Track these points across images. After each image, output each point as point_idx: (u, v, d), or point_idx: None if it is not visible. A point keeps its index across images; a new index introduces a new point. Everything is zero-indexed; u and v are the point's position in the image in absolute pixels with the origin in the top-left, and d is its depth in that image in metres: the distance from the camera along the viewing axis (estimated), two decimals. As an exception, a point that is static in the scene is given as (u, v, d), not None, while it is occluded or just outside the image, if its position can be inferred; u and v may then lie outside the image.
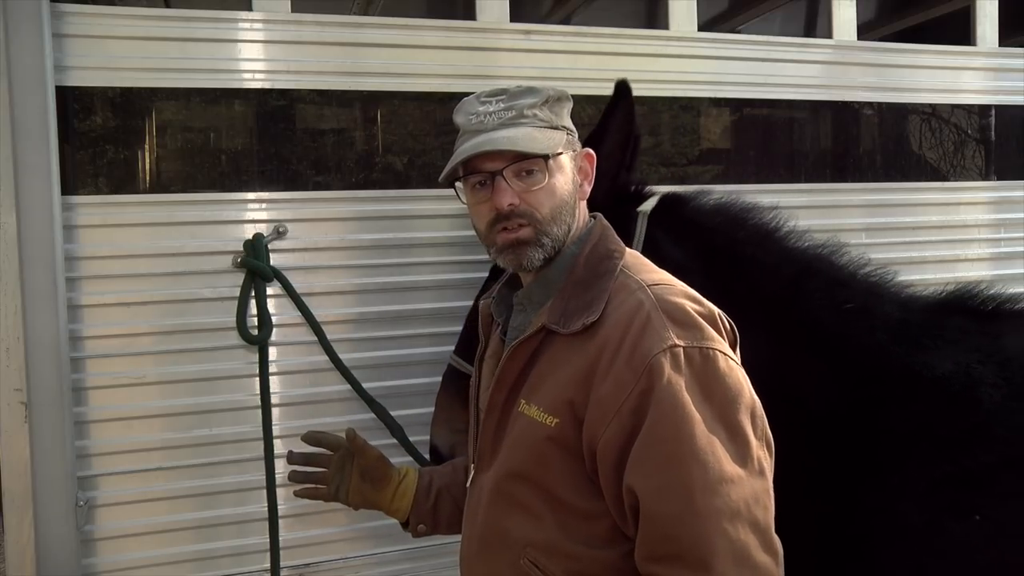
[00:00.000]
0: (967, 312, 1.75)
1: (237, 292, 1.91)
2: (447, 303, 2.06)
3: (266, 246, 1.92)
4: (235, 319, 1.89)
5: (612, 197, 1.71)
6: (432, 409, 1.88)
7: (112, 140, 1.87)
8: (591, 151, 1.40)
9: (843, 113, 2.46)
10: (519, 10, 2.21)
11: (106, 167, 1.87)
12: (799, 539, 1.26)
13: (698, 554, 1.11)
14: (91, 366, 1.86)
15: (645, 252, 1.46)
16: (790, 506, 1.26)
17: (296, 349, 1.98)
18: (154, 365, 1.90)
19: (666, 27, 2.30)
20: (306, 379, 2.00)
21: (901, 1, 3.33)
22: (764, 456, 1.19)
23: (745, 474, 1.15)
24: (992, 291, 1.78)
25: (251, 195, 1.96)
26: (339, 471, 1.61)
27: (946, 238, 2.55)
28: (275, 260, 1.95)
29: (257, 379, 1.92)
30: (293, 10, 1.98)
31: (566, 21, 3.19)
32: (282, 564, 1.94)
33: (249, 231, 1.94)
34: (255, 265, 1.89)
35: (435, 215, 2.07)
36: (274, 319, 1.96)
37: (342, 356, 1.99)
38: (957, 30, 2.74)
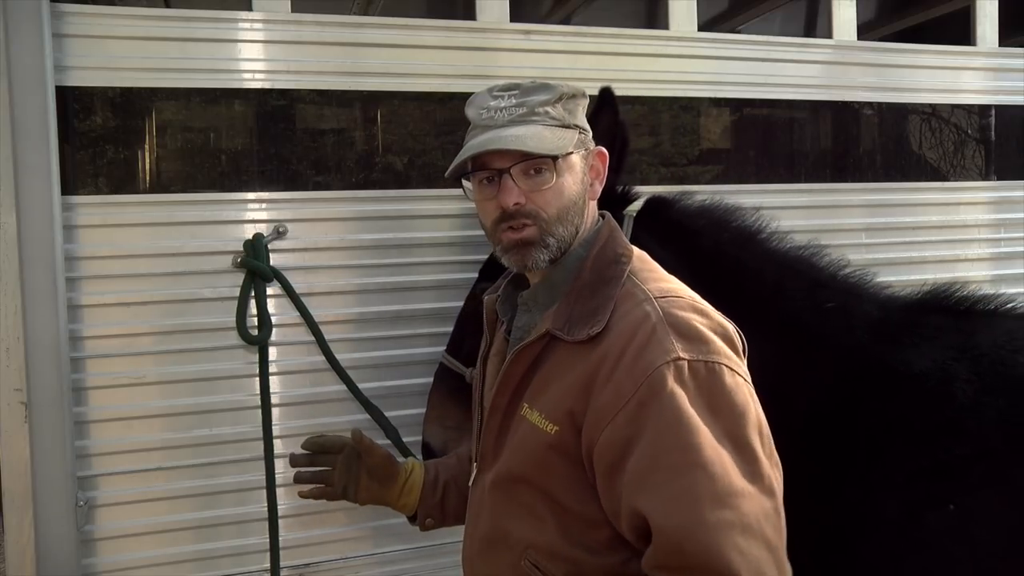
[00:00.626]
0: (943, 311, 1.79)
1: (237, 292, 1.91)
2: (447, 303, 2.05)
3: (266, 246, 1.92)
4: (235, 319, 1.89)
5: (598, 200, 1.72)
6: (432, 409, 1.88)
7: (112, 140, 1.87)
8: (603, 150, 1.37)
9: (843, 113, 2.46)
10: (519, 10, 2.21)
11: (106, 167, 1.87)
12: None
13: (712, 569, 1.07)
14: (91, 366, 1.86)
15: None
16: None
17: (296, 349, 1.98)
18: (154, 365, 1.90)
19: (666, 27, 2.30)
20: (306, 379, 2.00)
21: (901, 1, 3.33)
22: (774, 475, 1.16)
23: (755, 490, 1.11)
24: (966, 291, 1.82)
25: (251, 195, 1.96)
26: (346, 471, 1.61)
27: (946, 238, 2.55)
28: (275, 260, 1.95)
29: (257, 379, 1.92)
30: (293, 10, 1.98)
31: (566, 21, 3.19)
32: (282, 564, 1.94)
33: (249, 231, 1.94)
34: (255, 265, 1.89)
35: (435, 215, 2.07)
36: (274, 319, 1.96)
37: (342, 356, 1.99)
38: (957, 30, 2.74)
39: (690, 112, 2.30)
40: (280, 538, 1.94)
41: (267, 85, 1.96)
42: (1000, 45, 2.64)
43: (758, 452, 1.15)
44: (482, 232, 1.41)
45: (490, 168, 1.29)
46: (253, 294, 1.91)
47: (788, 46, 2.40)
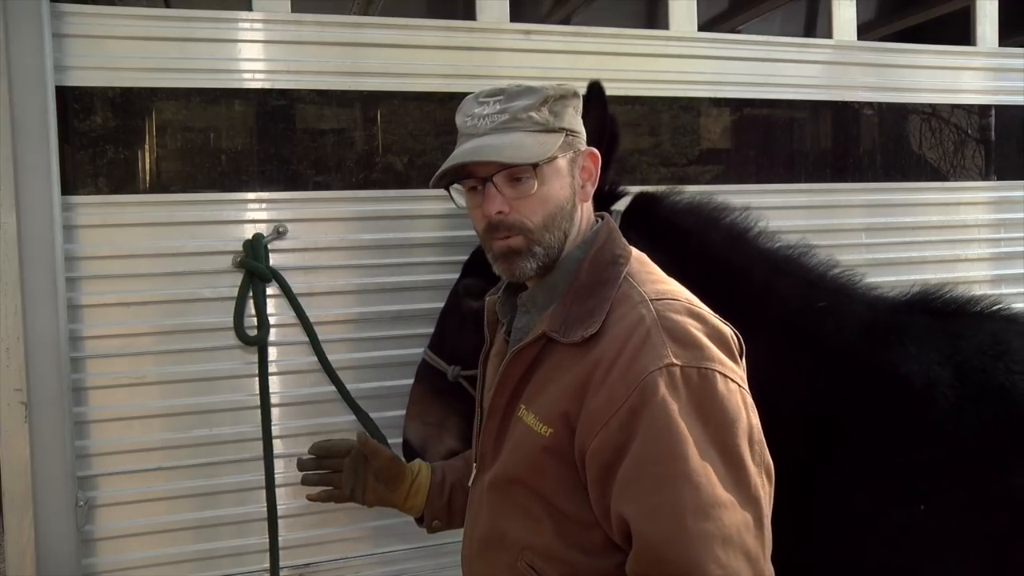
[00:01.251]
0: (931, 312, 1.80)
1: (237, 292, 1.91)
2: (447, 303, 2.05)
3: (265, 246, 1.92)
4: (232, 320, 1.89)
5: (596, 196, 1.72)
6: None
7: (112, 140, 1.87)
8: (595, 151, 1.35)
9: (843, 113, 2.46)
10: (519, 10, 2.21)
11: (106, 167, 1.87)
12: None
13: None
14: (91, 366, 1.86)
15: None
16: None
17: (296, 349, 1.98)
18: (154, 365, 1.90)
19: (666, 27, 2.29)
20: (306, 379, 2.00)
21: (901, 1, 3.33)
22: (761, 483, 1.16)
23: (739, 500, 1.12)
24: (955, 292, 1.83)
25: (251, 195, 1.96)
26: (353, 473, 1.63)
27: (946, 238, 2.55)
28: (275, 260, 1.95)
29: (257, 379, 1.92)
30: (293, 10, 1.98)
31: (566, 21, 3.19)
32: (282, 564, 1.94)
33: (249, 231, 1.94)
34: (253, 266, 1.89)
35: (435, 215, 2.07)
36: (274, 319, 1.96)
37: (342, 356, 1.99)
38: (957, 30, 2.74)
39: (690, 112, 2.30)
40: (280, 538, 1.94)
41: (267, 85, 1.96)
42: (1000, 45, 2.64)
43: (746, 461, 1.14)
44: None
45: (475, 176, 1.28)
46: (251, 294, 1.91)
47: (788, 46, 2.40)
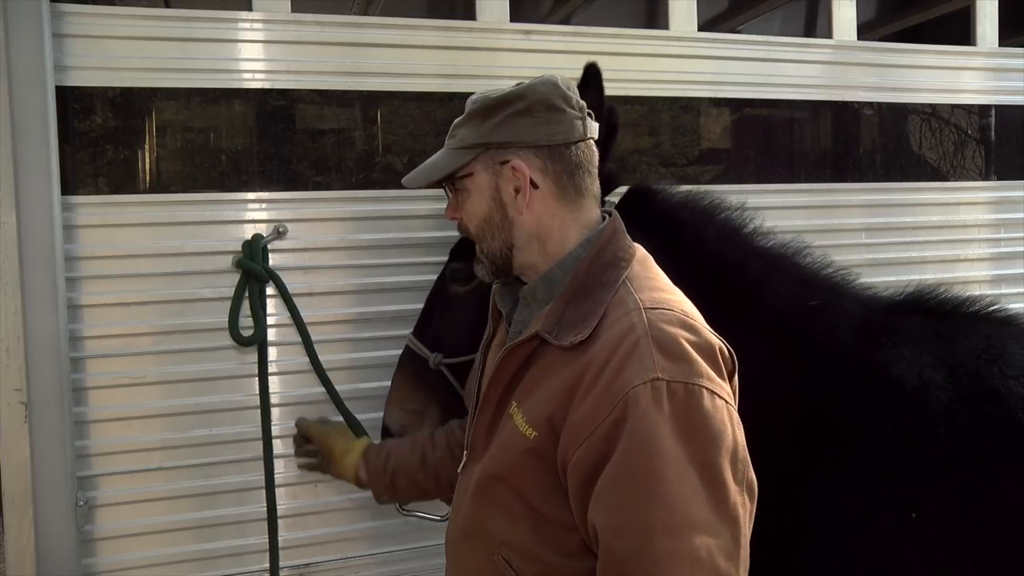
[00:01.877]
0: (925, 313, 1.78)
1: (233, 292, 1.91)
2: (447, 303, 2.05)
3: (264, 247, 1.92)
4: (227, 320, 1.88)
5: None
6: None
7: (112, 140, 1.87)
8: (518, 163, 1.29)
9: (843, 113, 2.46)
10: (519, 10, 2.21)
11: (106, 167, 1.87)
12: None
13: None
14: (91, 366, 1.86)
15: None
16: None
17: (296, 349, 1.98)
18: (154, 365, 1.90)
19: (666, 27, 2.30)
20: (306, 379, 2.00)
21: (901, 1, 3.33)
22: (741, 502, 1.14)
23: (715, 520, 1.10)
24: (949, 292, 1.82)
25: (251, 195, 1.96)
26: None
27: (946, 238, 2.56)
28: (275, 260, 1.95)
29: (256, 379, 1.92)
30: (293, 10, 1.98)
31: (566, 21, 3.19)
32: (282, 564, 1.94)
33: (249, 231, 1.94)
34: (249, 266, 1.88)
35: (435, 215, 2.07)
36: (274, 319, 1.96)
37: (342, 356, 2.00)
38: (957, 30, 2.74)
39: (690, 112, 2.31)
40: (280, 538, 1.94)
41: (267, 85, 1.96)
42: (1000, 45, 2.64)
43: (726, 480, 1.12)
44: None
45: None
46: (247, 295, 1.90)
47: (788, 46, 2.40)
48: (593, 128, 1.35)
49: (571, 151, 1.31)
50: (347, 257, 2.03)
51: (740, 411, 1.21)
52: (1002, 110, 2.63)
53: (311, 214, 1.99)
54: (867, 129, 2.49)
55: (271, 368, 1.94)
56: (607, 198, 1.76)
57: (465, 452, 1.41)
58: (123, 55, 1.86)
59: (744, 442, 1.17)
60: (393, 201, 2.05)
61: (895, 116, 2.52)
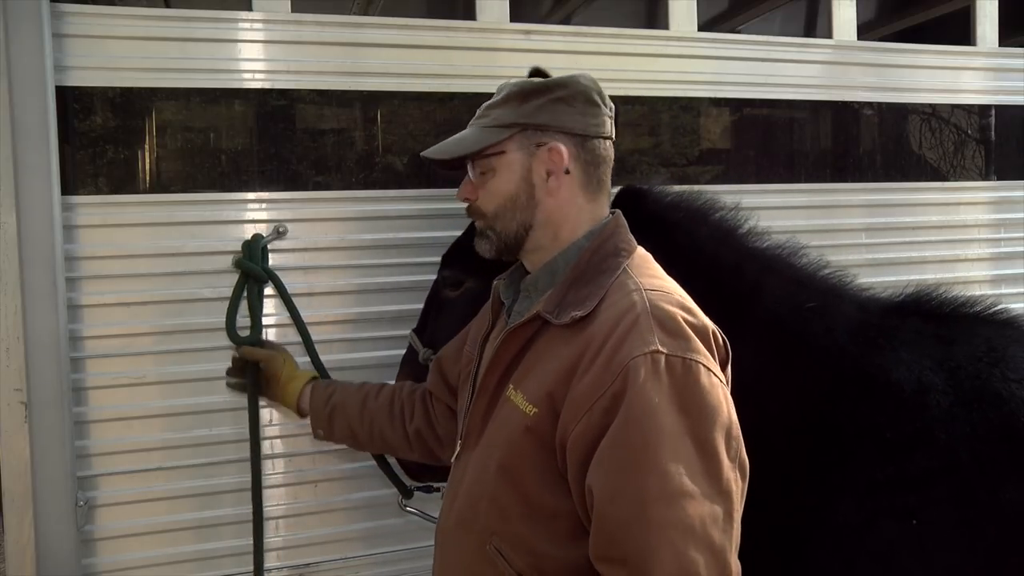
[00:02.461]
0: (924, 315, 1.76)
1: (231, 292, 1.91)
2: (447, 303, 2.05)
3: (264, 247, 1.91)
4: (224, 319, 1.86)
5: None
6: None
7: (112, 140, 1.87)
8: (557, 146, 1.34)
9: (843, 113, 2.46)
10: (519, 10, 2.21)
11: (106, 167, 1.87)
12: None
13: (642, 563, 1.09)
14: (91, 366, 1.86)
15: None
16: None
17: (296, 349, 1.98)
18: (154, 365, 1.90)
19: (666, 27, 2.30)
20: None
21: (901, 1, 3.33)
22: (734, 479, 1.16)
23: (709, 492, 1.12)
24: (948, 294, 1.80)
25: (251, 195, 1.96)
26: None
27: (946, 238, 2.55)
28: (275, 260, 1.95)
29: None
30: (293, 10, 1.98)
31: (566, 21, 3.20)
32: (282, 564, 1.94)
33: (249, 231, 1.94)
34: (247, 266, 1.87)
35: (435, 215, 2.07)
36: (274, 319, 1.96)
37: (342, 356, 1.99)
38: (957, 30, 2.74)
39: (690, 112, 2.30)
40: (280, 538, 1.94)
41: (267, 85, 1.96)
42: (1000, 45, 2.64)
43: (720, 454, 1.15)
44: None
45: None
46: (245, 295, 1.89)
47: (788, 46, 2.40)
48: (613, 130, 1.41)
49: (600, 145, 1.38)
50: (347, 257, 2.03)
51: (739, 417, 1.21)
52: (1002, 110, 2.63)
53: (311, 214, 1.99)
54: (867, 129, 2.49)
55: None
56: None
57: (459, 442, 1.42)
58: (123, 55, 1.86)
59: (737, 422, 1.19)
60: (393, 201, 2.05)
61: (895, 116, 2.52)
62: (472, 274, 1.76)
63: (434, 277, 2.01)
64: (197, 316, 1.92)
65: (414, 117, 2.06)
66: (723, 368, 1.25)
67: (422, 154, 1.44)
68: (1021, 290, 2.63)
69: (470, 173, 1.39)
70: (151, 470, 1.90)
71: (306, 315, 1.95)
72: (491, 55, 2.11)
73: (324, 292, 2.00)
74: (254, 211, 1.96)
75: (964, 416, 1.58)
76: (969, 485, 1.55)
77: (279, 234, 1.96)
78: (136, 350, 1.89)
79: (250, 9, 1.95)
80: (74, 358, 1.83)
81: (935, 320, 1.75)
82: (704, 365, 1.17)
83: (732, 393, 1.24)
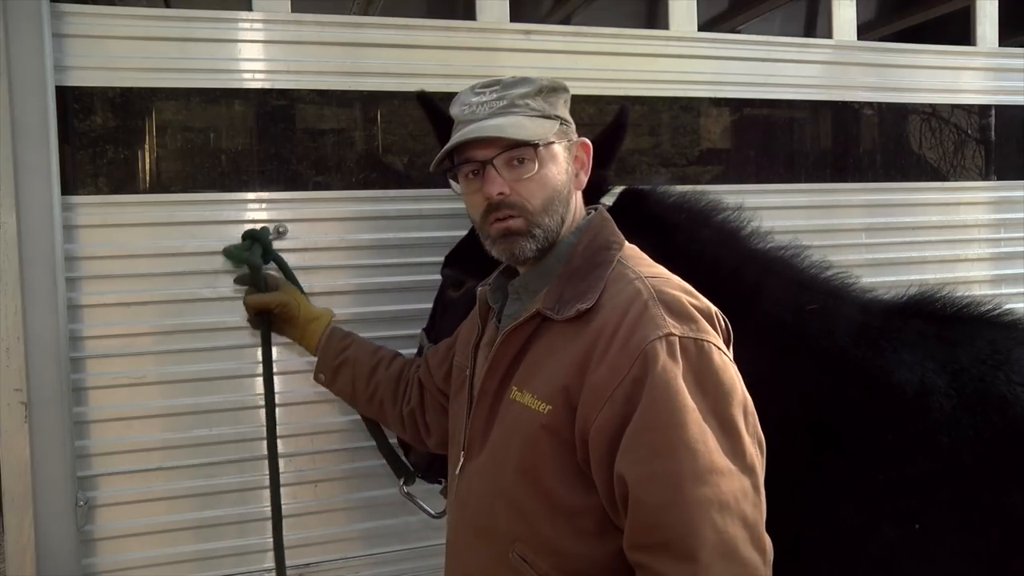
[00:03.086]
0: (927, 317, 1.74)
1: (236, 292, 1.90)
2: (447, 303, 2.05)
3: (268, 243, 1.85)
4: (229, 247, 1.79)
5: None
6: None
7: (112, 140, 1.87)
8: (587, 141, 1.40)
9: (843, 113, 2.46)
10: (519, 10, 2.21)
11: (106, 167, 1.87)
12: None
13: (685, 544, 1.10)
14: (91, 366, 1.86)
15: None
16: None
17: (298, 349, 1.98)
18: (154, 365, 1.90)
19: (666, 27, 2.30)
20: (308, 379, 1.99)
21: (901, 1, 3.33)
22: (756, 453, 1.18)
23: (736, 468, 1.14)
24: (951, 295, 1.78)
25: (251, 195, 1.96)
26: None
27: (946, 238, 2.55)
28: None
29: (256, 379, 1.93)
30: (293, 10, 1.98)
31: (566, 21, 3.20)
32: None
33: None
34: (244, 259, 1.77)
35: (435, 215, 2.07)
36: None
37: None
38: (957, 30, 2.74)
39: (690, 112, 2.30)
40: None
41: (267, 85, 1.96)
42: (1000, 45, 2.64)
43: (742, 431, 1.17)
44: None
45: (474, 160, 1.31)
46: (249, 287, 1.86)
47: (788, 46, 2.40)
48: None
49: None
50: (347, 257, 2.03)
51: None
52: (1002, 110, 2.63)
53: (311, 214, 2.00)
54: (867, 129, 2.49)
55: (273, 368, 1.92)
56: (602, 200, 1.76)
57: (461, 453, 1.40)
58: (123, 55, 1.86)
59: (750, 398, 1.21)
60: (393, 201, 2.05)
61: (895, 116, 2.52)
62: (472, 274, 1.76)
63: (435, 277, 2.01)
64: (197, 316, 1.92)
65: (414, 117, 2.06)
66: (727, 347, 1.27)
67: (477, 130, 1.28)
68: (1021, 290, 2.63)
69: (500, 167, 1.28)
70: (151, 470, 1.90)
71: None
72: (491, 55, 2.11)
73: (324, 292, 2.00)
74: (254, 211, 1.96)
75: (967, 419, 1.57)
76: (972, 489, 1.53)
77: (279, 234, 1.96)
78: (136, 350, 1.89)
79: (250, 9, 1.95)
80: (74, 358, 1.83)
81: (938, 322, 1.74)
82: (715, 345, 1.20)
83: None
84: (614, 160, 1.75)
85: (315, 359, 1.81)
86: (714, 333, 1.22)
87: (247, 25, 1.94)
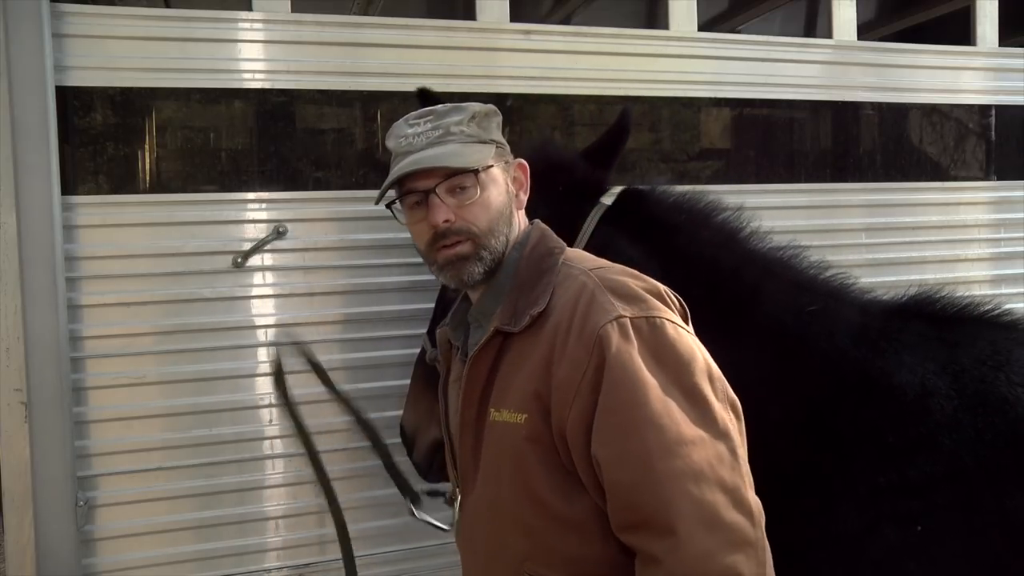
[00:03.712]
0: (927, 318, 1.73)
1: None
2: (447, 303, 2.05)
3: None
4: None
5: (574, 191, 1.72)
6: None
7: (112, 140, 1.87)
8: (523, 161, 1.41)
9: (843, 113, 2.46)
10: (519, 10, 2.21)
11: (106, 167, 1.87)
12: None
13: (662, 519, 1.10)
14: (91, 366, 1.86)
15: (597, 247, 1.48)
16: None
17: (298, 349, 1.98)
18: (154, 365, 1.90)
19: (666, 27, 2.30)
20: (311, 379, 1.99)
21: (901, 1, 3.33)
22: (728, 417, 1.18)
23: (707, 435, 1.14)
24: (952, 295, 1.77)
25: (251, 195, 1.96)
26: None
27: (946, 238, 2.55)
28: (275, 260, 1.95)
29: (255, 379, 1.93)
30: (293, 10, 1.98)
31: (566, 21, 3.19)
32: (282, 564, 1.95)
33: (249, 231, 1.94)
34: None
35: (435, 215, 2.07)
36: (275, 319, 1.95)
37: (341, 356, 1.99)
38: (957, 30, 2.74)
39: (690, 112, 2.30)
40: (280, 538, 1.95)
41: (267, 85, 1.96)
42: (1000, 45, 2.64)
43: (708, 397, 1.17)
44: None
45: (416, 190, 1.33)
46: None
47: (788, 46, 2.40)
48: None
49: None
50: (347, 257, 2.03)
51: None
52: (1002, 110, 2.63)
53: (311, 214, 2.00)
54: (867, 129, 2.49)
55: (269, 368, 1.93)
56: (601, 199, 1.76)
57: (458, 490, 1.41)
58: (123, 55, 1.86)
59: (715, 363, 1.22)
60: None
61: (895, 116, 2.52)
62: None
63: (433, 277, 2.01)
64: (197, 316, 1.92)
65: (414, 117, 2.06)
66: (686, 323, 1.28)
67: (416, 162, 1.30)
68: (1021, 290, 2.63)
69: (443, 195, 1.30)
70: (151, 470, 1.90)
71: (306, 315, 1.95)
72: (491, 55, 2.11)
73: (324, 292, 2.00)
74: (254, 211, 1.96)
75: (968, 421, 1.56)
76: (973, 491, 1.52)
77: (279, 234, 1.96)
78: (136, 350, 1.89)
79: (250, 9, 1.95)
80: (74, 358, 1.83)
81: (938, 323, 1.72)
82: (667, 319, 1.21)
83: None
84: (616, 161, 1.75)
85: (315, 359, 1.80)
86: (666, 309, 1.23)
87: (247, 25, 1.94)
